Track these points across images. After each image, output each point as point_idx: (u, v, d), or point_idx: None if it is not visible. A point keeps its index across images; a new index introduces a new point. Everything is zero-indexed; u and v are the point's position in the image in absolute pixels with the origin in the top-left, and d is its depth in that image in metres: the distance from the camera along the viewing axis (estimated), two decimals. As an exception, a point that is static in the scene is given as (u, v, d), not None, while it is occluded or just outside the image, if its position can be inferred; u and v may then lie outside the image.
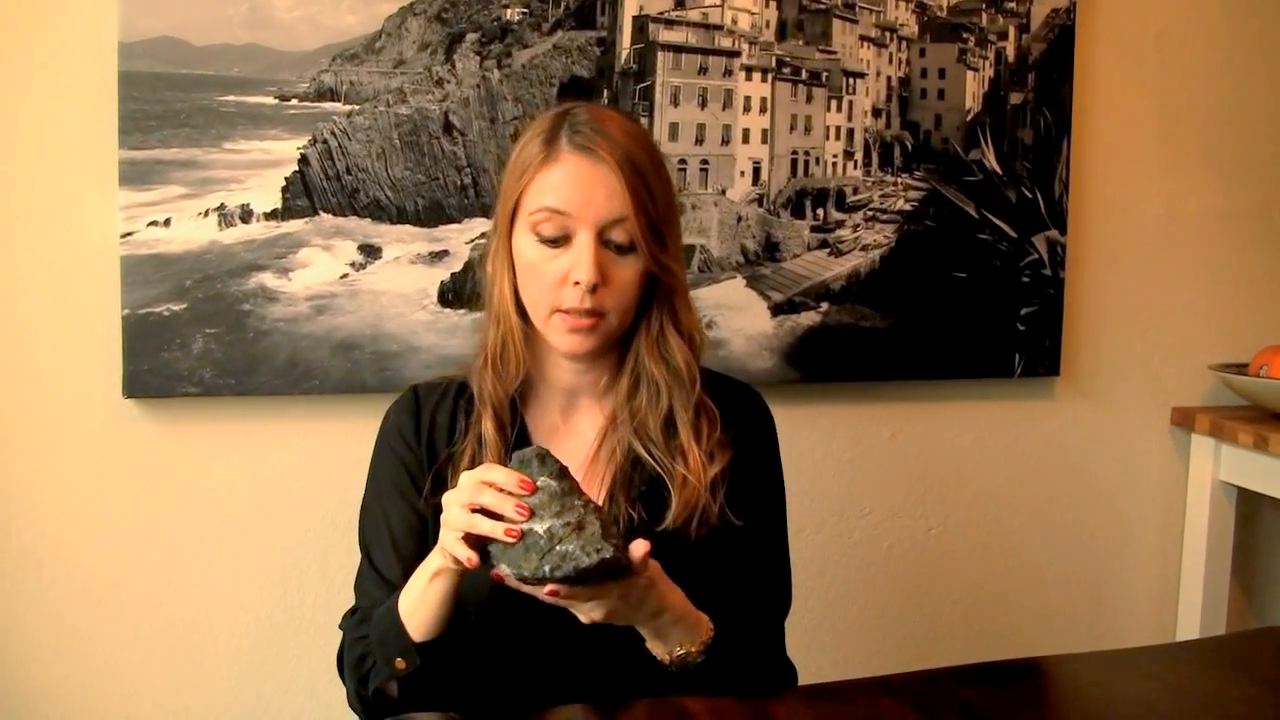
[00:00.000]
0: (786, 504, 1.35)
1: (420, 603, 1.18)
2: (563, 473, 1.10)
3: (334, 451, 1.83)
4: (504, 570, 1.07)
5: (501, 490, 1.07)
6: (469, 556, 1.07)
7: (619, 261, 1.22)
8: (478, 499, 1.08)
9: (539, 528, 1.06)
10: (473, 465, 1.23)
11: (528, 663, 1.25)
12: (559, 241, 1.21)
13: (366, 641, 1.23)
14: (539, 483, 1.08)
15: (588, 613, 1.11)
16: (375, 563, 1.30)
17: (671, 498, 1.24)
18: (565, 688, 1.22)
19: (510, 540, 1.06)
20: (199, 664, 1.83)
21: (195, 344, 1.74)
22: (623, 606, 1.11)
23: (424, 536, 1.23)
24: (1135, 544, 2.25)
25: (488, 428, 1.26)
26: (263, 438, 1.82)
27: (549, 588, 1.05)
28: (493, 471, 1.08)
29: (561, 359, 1.28)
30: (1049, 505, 2.19)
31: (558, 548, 1.05)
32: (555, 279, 1.21)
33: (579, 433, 1.32)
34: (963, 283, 2.04)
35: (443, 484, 1.24)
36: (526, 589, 1.08)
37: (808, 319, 1.98)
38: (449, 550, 1.10)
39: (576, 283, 1.19)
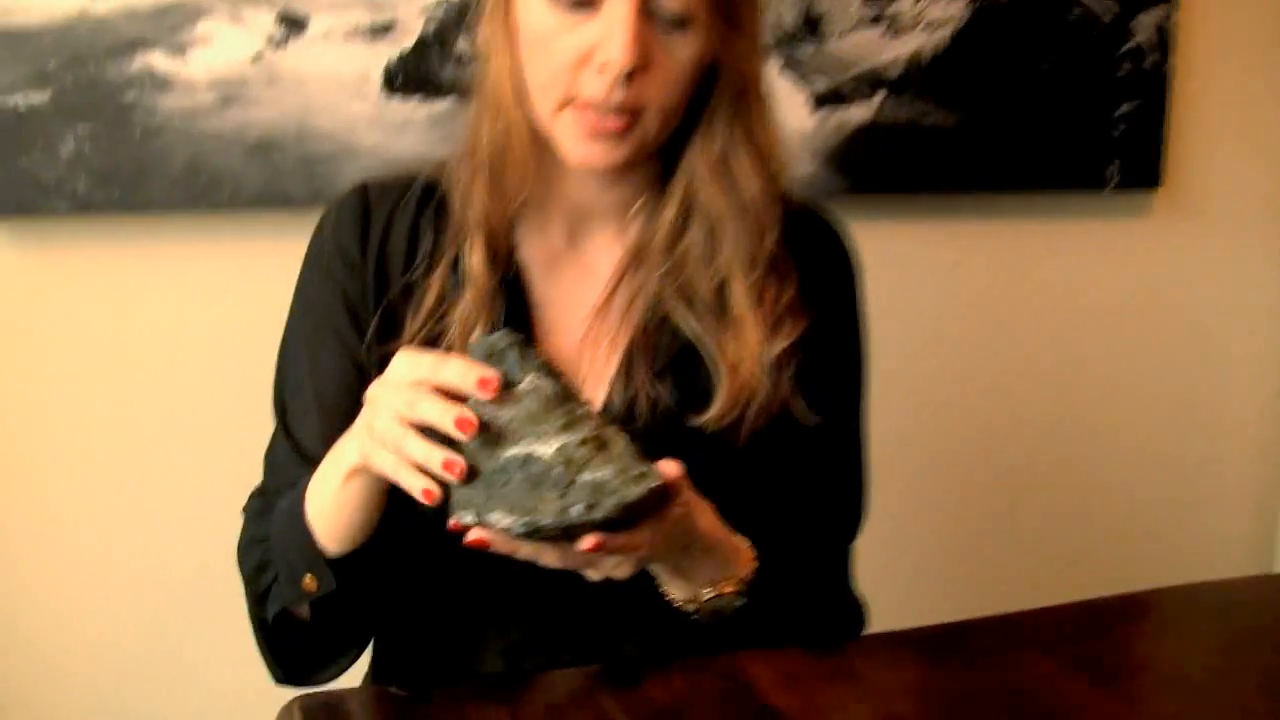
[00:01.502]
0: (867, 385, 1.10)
1: (333, 504, 0.92)
2: (551, 369, 0.83)
3: (249, 284, 1.54)
4: (497, 520, 0.79)
5: (451, 398, 0.82)
6: (426, 489, 0.82)
7: (668, 40, 0.92)
8: (416, 410, 0.82)
9: (543, 450, 0.79)
10: (440, 306, 0.98)
11: (507, 599, 1.01)
12: (582, 5, 0.91)
13: (268, 546, 0.99)
14: (524, 384, 0.81)
15: (614, 568, 0.87)
16: (293, 430, 1.03)
17: (712, 379, 1.00)
18: (560, 636, 1.01)
19: (453, 480, 0.81)
20: (90, 537, 1.59)
21: (64, 146, 1.44)
22: (655, 551, 0.88)
23: (362, 396, 0.93)
24: (1238, 396, 2.03)
25: (475, 259, 0.98)
26: (156, 267, 1.54)
27: (589, 540, 0.80)
28: (446, 366, 0.82)
29: (576, 171, 0.99)
30: (1141, 348, 1.97)
31: (583, 477, 0.78)
32: (573, 59, 0.92)
33: (590, 267, 1.04)
34: (1047, 73, 1.78)
35: (395, 325, 0.99)
36: (527, 549, 0.83)
37: (857, 114, 1.71)
38: (376, 465, 0.85)
39: (604, 66, 0.90)
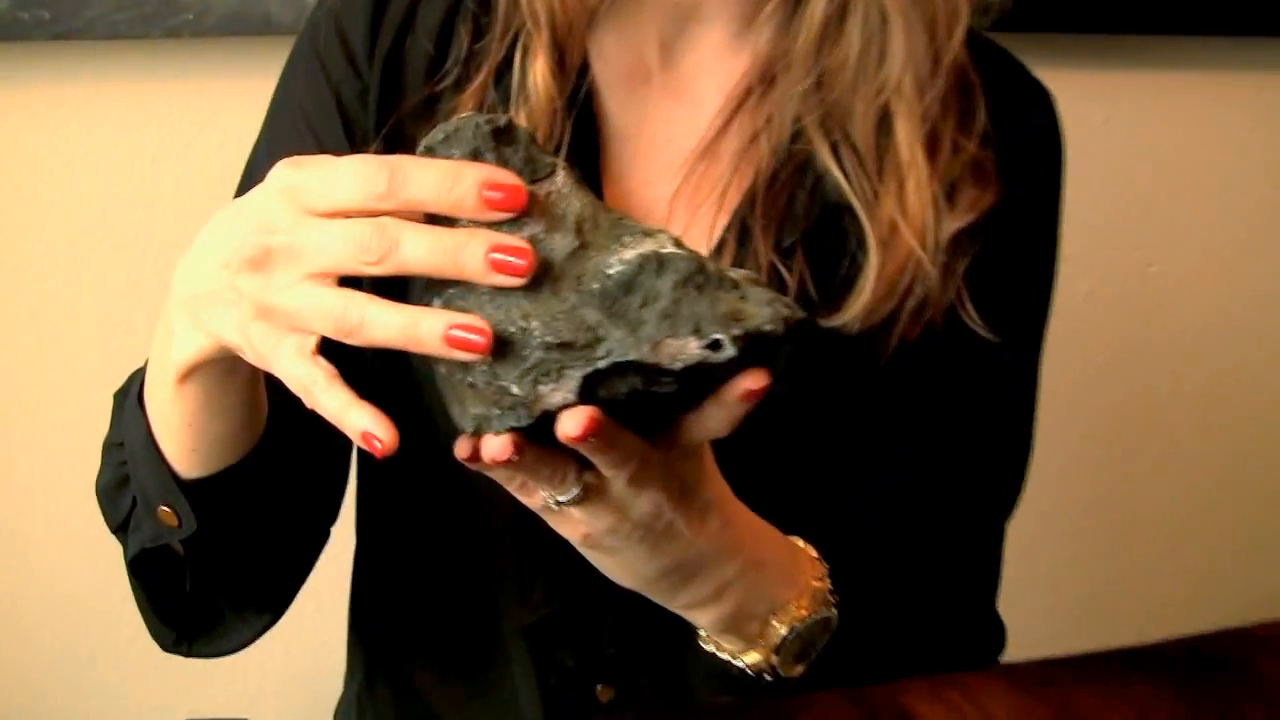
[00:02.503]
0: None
1: (174, 413, 0.66)
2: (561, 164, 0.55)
3: (218, 136, 1.34)
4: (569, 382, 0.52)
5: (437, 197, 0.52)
6: (364, 430, 0.52)
7: None
8: (396, 253, 0.52)
9: (622, 257, 0.53)
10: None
11: (527, 546, 0.80)
12: None
13: (124, 459, 0.74)
14: (547, 190, 0.53)
15: (577, 526, 0.60)
16: None
17: (861, 262, 0.77)
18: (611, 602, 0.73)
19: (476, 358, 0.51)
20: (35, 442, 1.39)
21: (-24, -50, 1.20)
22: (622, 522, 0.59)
23: None
24: None
25: (539, 67, 0.76)
26: (97, 113, 1.33)
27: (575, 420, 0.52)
28: (420, 169, 0.52)
29: None
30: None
31: (683, 307, 0.52)
32: None
33: (692, 88, 0.81)
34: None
35: (403, 147, 0.76)
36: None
37: None
38: (280, 367, 0.54)
39: None
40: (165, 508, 0.69)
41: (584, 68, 0.79)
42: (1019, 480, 0.85)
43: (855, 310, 0.75)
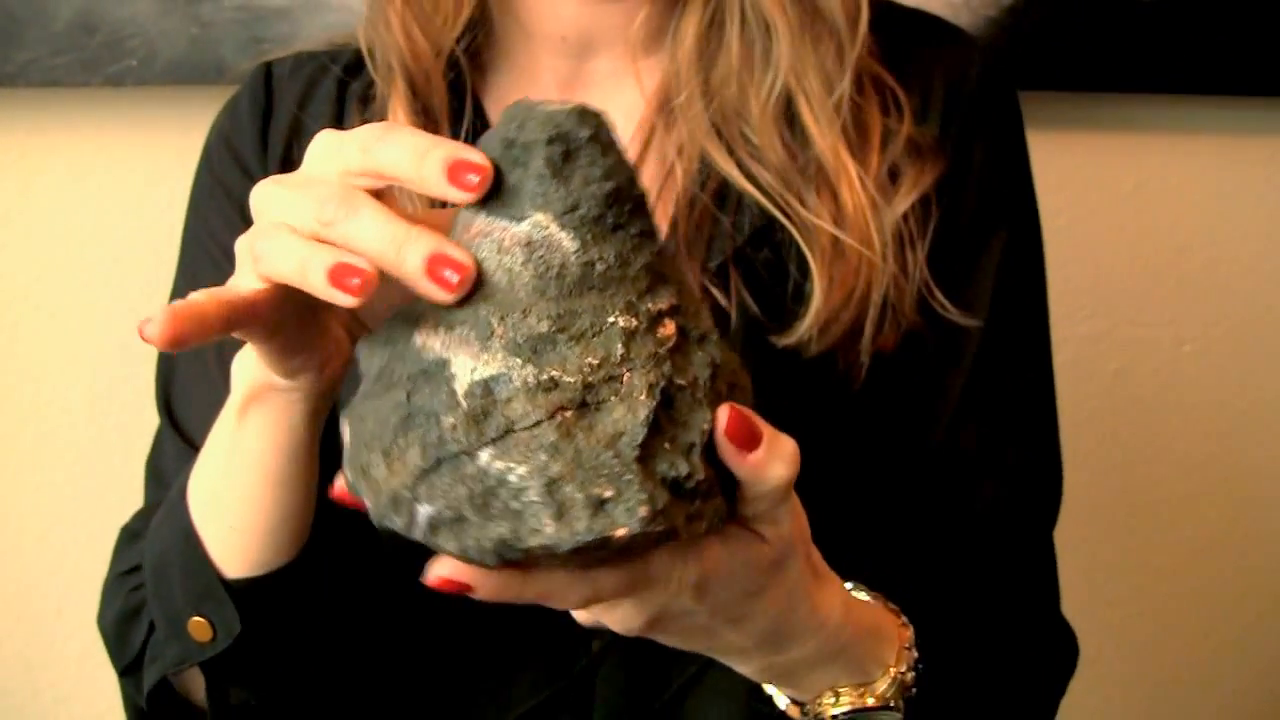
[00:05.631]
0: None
1: (230, 468, 0.65)
2: (607, 200, 0.49)
3: (163, 188, 1.29)
4: (417, 517, 0.48)
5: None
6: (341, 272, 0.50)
7: None
8: (339, 220, 0.51)
9: (458, 365, 0.48)
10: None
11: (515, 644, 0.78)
12: None
13: (140, 582, 0.74)
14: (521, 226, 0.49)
15: (621, 618, 0.56)
16: (178, 416, 0.82)
17: (807, 273, 0.77)
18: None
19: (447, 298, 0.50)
20: None
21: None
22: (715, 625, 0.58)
23: None
24: None
25: (399, 119, 0.80)
26: (38, 162, 1.28)
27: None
28: (393, 135, 0.52)
29: None
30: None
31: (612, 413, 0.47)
32: None
33: None
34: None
35: None
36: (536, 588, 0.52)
37: None
38: (272, 272, 0.54)
39: None
40: (198, 618, 0.68)
41: (478, 108, 0.81)
42: (1056, 474, 0.84)
43: (806, 324, 0.74)
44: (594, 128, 0.49)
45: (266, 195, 0.54)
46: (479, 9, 0.82)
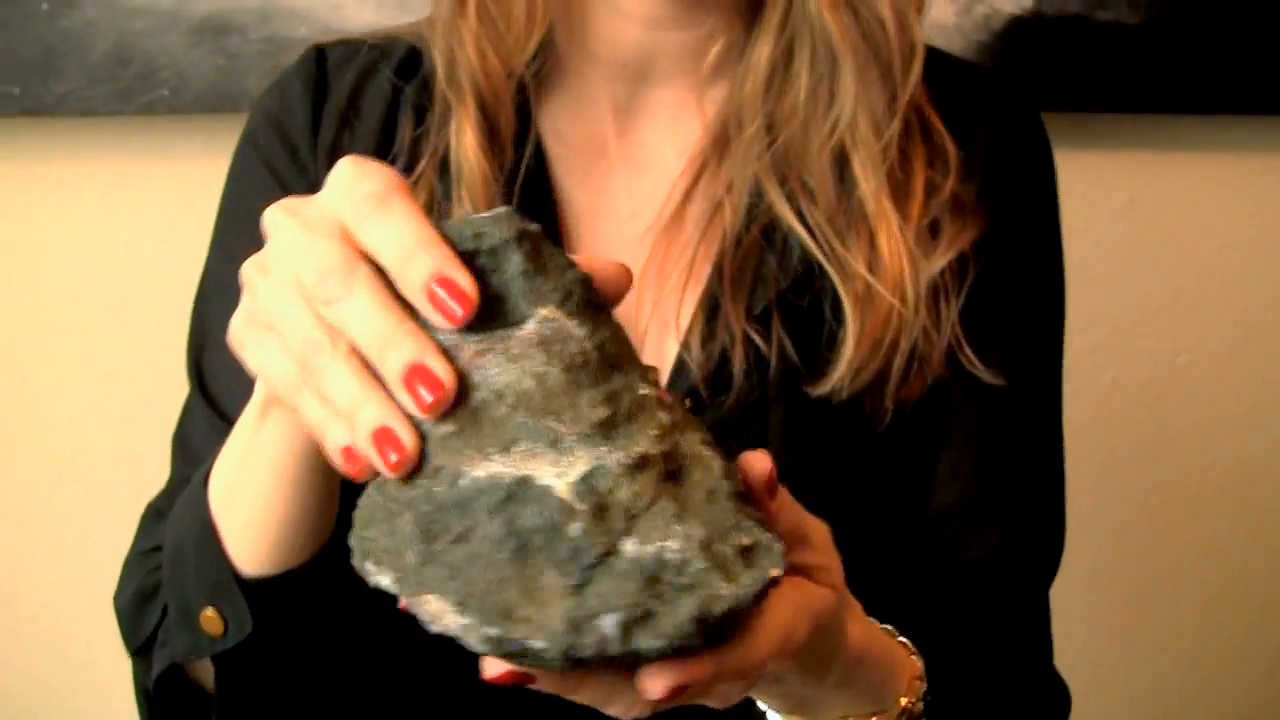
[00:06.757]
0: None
1: (246, 465, 0.63)
2: (588, 293, 0.49)
3: (192, 211, 1.27)
4: (437, 612, 0.44)
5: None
6: (346, 447, 0.48)
7: None
8: (335, 305, 0.48)
9: (547, 474, 0.45)
10: (430, 213, 0.70)
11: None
12: None
13: (157, 564, 0.72)
14: (531, 323, 0.47)
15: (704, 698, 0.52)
16: (211, 391, 0.80)
17: (841, 320, 0.75)
18: None
19: (389, 473, 0.47)
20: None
21: (-58, 24, 1.20)
22: (784, 671, 0.55)
23: None
24: None
25: (467, 140, 0.75)
26: (75, 189, 1.31)
27: (657, 680, 0.45)
28: (387, 207, 0.48)
29: (623, 3, 0.78)
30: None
31: (627, 548, 0.44)
32: None
33: (651, 156, 0.81)
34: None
35: None
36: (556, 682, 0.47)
37: (1010, 3, 1.48)
38: (261, 370, 0.53)
39: None
40: (211, 611, 0.66)
41: (532, 138, 0.78)
42: (1059, 533, 0.83)
43: (840, 373, 0.73)
44: (530, 221, 0.49)
45: (278, 233, 0.51)
46: (550, 32, 0.79)
